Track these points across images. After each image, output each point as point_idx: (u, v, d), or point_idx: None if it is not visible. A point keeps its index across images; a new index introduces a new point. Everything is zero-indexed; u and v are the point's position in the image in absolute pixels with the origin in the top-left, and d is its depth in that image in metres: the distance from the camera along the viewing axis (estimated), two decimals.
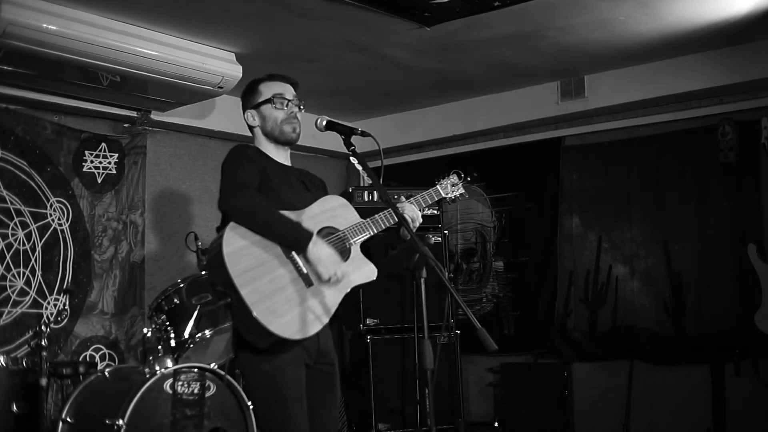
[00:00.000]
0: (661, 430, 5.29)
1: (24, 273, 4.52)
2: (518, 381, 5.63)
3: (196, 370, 3.52)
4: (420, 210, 2.98)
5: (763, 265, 4.72)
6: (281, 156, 2.99)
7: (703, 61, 5.01)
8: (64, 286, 4.65)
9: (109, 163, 5.00)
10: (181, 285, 3.87)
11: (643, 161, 5.48)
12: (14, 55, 3.88)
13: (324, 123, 2.88)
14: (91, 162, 4.92)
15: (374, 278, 2.89)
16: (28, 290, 4.53)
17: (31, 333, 4.17)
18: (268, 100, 2.95)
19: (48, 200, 4.68)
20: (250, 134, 3.04)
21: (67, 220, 4.76)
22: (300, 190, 2.96)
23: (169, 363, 3.53)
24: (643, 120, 5.49)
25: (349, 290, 2.81)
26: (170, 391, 3.42)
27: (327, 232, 2.83)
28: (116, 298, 4.91)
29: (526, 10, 4.13)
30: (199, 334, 3.77)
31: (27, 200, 4.57)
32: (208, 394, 3.52)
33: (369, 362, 5.18)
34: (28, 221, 4.57)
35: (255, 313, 2.55)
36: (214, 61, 4.53)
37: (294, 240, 2.69)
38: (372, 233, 2.90)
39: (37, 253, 4.59)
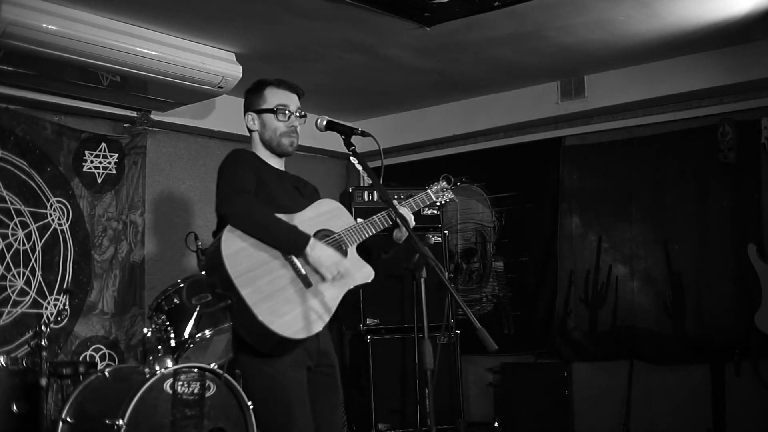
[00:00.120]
0: (661, 430, 5.29)
1: (24, 273, 4.52)
2: (518, 381, 5.63)
3: (196, 370, 3.52)
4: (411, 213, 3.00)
5: (763, 265, 4.72)
6: (276, 162, 3.00)
7: (703, 61, 5.01)
8: (64, 286, 4.65)
9: (109, 163, 5.00)
10: (181, 285, 3.86)
11: (643, 161, 5.48)
12: (14, 55, 3.88)
13: (324, 123, 2.88)
14: (91, 162, 4.92)
15: (371, 279, 2.90)
16: (28, 290, 4.53)
17: (31, 333, 4.17)
18: (272, 110, 2.94)
19: (48, 200, 4.68)
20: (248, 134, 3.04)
21: (67, 220, 4.76)
22: (295, 195, 2.97)
23: (169, 363, 3.53)
24: (643, 120, 5.49)
25: (347, 291, 2.82)
26: (170, 391, 3.42)
27: (323, 235, 2.84)
28: (116, 298, 4.91)
29: (526, 10, 4.13)
30: (199, 334, 3.76)
31: (27, 200, 4.57)
32: (208, 394, 3.52)
33: (369, 362, 5.18)
34: (28, 221, 4.57)
35: (256, 312, 2.56)
36: (214, 61, 4.53)
37: (291, 244, 2.70)
38: (368, 235, 2.91)
39: (37, 253, 4.59)
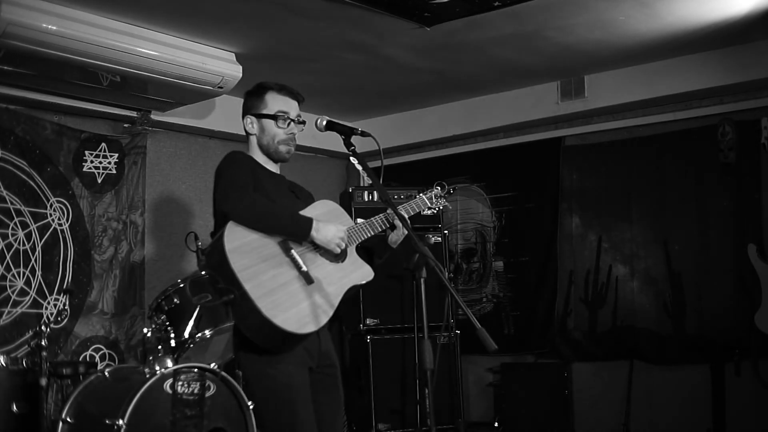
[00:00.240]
0: (661, 430, 5.29)
1: (24, 273, 4.52)
2: (518, 381, 5.63)
3: (196, 370, 3.52)
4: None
5: (763, 265, 4.72)
6: (272, 166, 3.02)
7: (703, 61, 5.01)
8: (64, 286, 4.65)
9: (109, 163, 5.00)
10: (181, 285, 3.86)
11: (643, 161, 5.48)
12: (14, 55, 3.87)
13: (324, 123, 2.88)
14: (91, 162, 4.92)
15: (371, 279, 2.91)
16: (28, 290, 4.53)
17: (31, 333, 4.18)
18: (272, 116, 2.94)
19: (48, 200, 4.68)
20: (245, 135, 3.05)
21: (67, 220, 4.76)
22: (292, 197, 3.00)
23: (169, 363, 3.52)
24: (643, 120, 5.49)
25: (348, 289, 2.82)
26: (170, 391, 3.42)
27: None
28: (116, 298, 4.91)
29: (526, 10, 4.13)
30: (199, 334, 3.75)
31: (27, 200, 4.57)
32: (208, 394, 3.51)
33: (369, 362, 5.18)
34: (28, 221, 4.57)
35: (260, 306, 2.56)
36: (214, 61, 4.53)
37: (297, 229, 2.72)
38: (367, 236, 2.93)
39: (37, 253, 4.59)
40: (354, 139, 2.86)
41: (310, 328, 2.67)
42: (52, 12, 3.84)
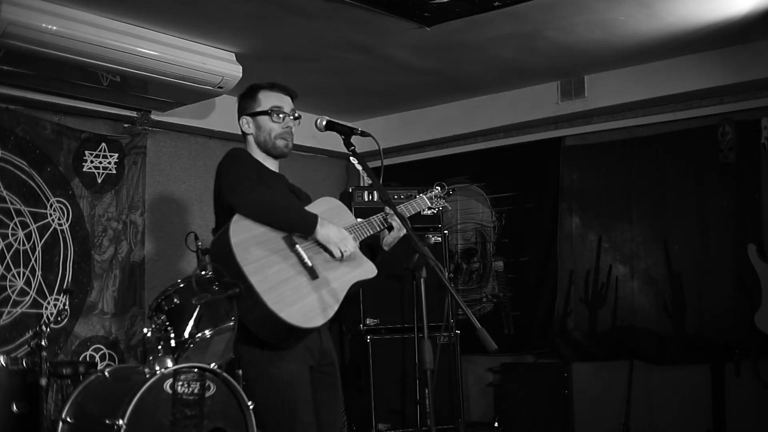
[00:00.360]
0: (661, 430, 5.29)
1: (24, 273, 4.52)
2: (518, 381, 5.63)
3: (196, 370, 3.52)
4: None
5: (763, 265, 4.72)
6: (272, 164, 3.03)
7: (703, 61, 5.01)
8: (64, 286, 4.65)
9: (109, 163, 5.00)
10: (181, 285, 3.86)
11: (643, 161, 5.48)
12: (14, 55, 3.87)
13: (324, 123, 2.89)
14: (91, 162, 4.92)
15: (374, 275, 2.92)
16: (28, 290, 4.52)
17: (31, 333, 4.17)
18: (266, 112, 2.96)
19: (48, 200, 4.68)
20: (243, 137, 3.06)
21: (67, 220, 4.76)
22: (292, 196, 3.01)
23: (169, 363, 3.52)
24: (643, 120, 5.49)
25: (352, 285, 2.83)
26: (170, 391, 3.42)
27: None
28: (116, 298, 4.91)
29: (526, 10, 4.13)
30: (199, 334, 3.76)
31: (27, 200, 4.57)
32: (208, 394, 3.51)
33: (369, 362, 5.18)
34: (28, 221, 4.57)
35: (266, 300, 2.56)
36: (214, 61, 4.53)
37: (303, 223, 2.72)
38: (367, 234, 2.94)
39: (37, 253, 4.59)
40: (354, 139, 2.86)
41: (314, 322, 2.67)
42: (52, 12, 3.84)
